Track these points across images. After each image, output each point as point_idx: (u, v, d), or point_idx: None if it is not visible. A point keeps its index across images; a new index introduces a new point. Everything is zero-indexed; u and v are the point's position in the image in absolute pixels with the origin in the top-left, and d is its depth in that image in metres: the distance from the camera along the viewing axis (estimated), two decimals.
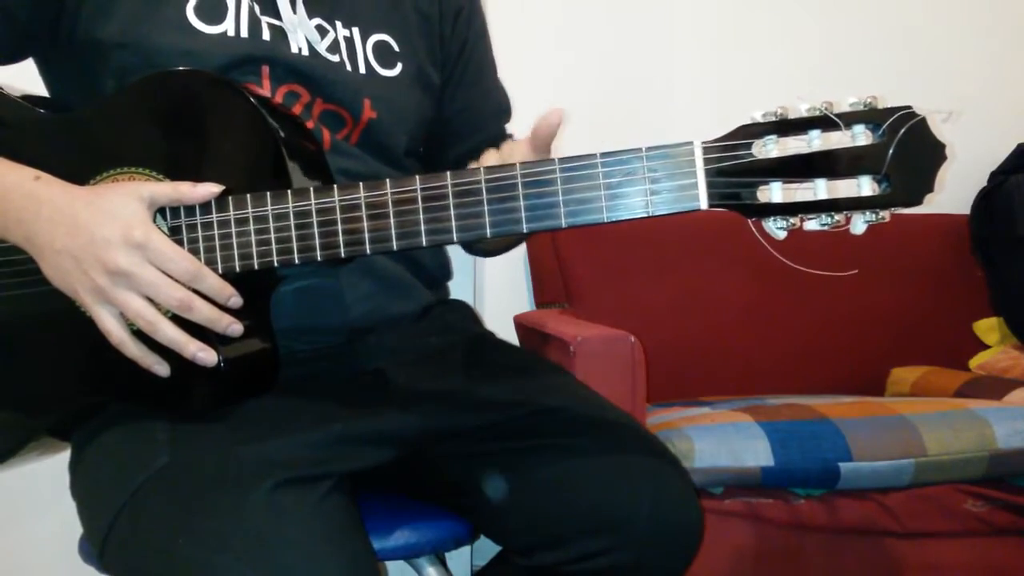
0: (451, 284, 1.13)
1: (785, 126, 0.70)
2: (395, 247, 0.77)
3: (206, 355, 0.79)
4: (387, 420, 0.91)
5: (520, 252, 2.09)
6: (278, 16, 0.93)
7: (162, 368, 0.80)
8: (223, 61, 0.88)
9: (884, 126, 0.69)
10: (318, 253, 0.79)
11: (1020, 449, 1.37)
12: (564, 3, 2.12)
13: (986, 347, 1.96)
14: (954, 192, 2.04)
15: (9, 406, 0.89)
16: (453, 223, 0.76)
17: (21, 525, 1.63)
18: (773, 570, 1.39)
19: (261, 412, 0.84)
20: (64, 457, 0.92)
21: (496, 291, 2.04)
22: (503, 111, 1.15)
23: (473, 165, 0.84)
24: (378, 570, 0.80)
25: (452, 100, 1.10)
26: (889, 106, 0.69)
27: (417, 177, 0.77)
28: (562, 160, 0.75)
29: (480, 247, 1.14)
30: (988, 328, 1.98)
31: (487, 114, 1.13)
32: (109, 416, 0.87)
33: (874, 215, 0.70)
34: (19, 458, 0.92)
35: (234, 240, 0.80)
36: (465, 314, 1.11)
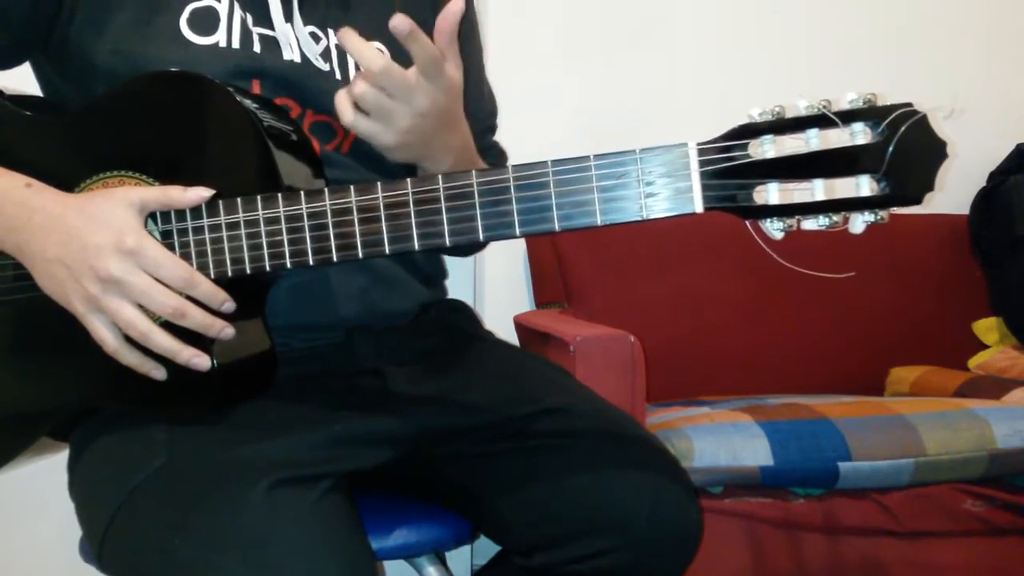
0: (450, 284, 1.13)
1: (782, 125, 0.69)
2: (387, 251, 0.77)
3: (200, 360, 0.78)
4: (386, 420, 0.91)
5: (520, 252, 2.09)
6: (270, 26, 0.92)
7: (159, 373, 0.80)
8: (215, 72, 0.86)
9: (884, 124, 0.67)
10: (310, 258, 0.78)
11: (1019, 449, 1.37)
12: (563, 6, 2.12)
13: (985, 347, 1.96)
14: (954, 192, 2.04)
15: (8, 413, 0.88)
16: (445, 227, 0.75)
17: (21, 525, 1.63)
18: (772, 570, 1.39)
19: (260, 412, 0.84)
20: (63, 457, 0.92)
21: (496, 291, 2.04)
22: (483, 116, 1.11)
23: None
24: (376, 570, 0.80)
25: None
26: (889, 103, 0.68)
27: (408, 180, 0.76)
28: (555, 162, 0.74)
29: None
30: (987, 328, 1.98)
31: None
32: (107, 417, 0.86)
33: (873, 215, 0.69)
34: (17, 459, 0.92)
35: (226, 245, 0.79)
36: (464, 314, 1.10)
